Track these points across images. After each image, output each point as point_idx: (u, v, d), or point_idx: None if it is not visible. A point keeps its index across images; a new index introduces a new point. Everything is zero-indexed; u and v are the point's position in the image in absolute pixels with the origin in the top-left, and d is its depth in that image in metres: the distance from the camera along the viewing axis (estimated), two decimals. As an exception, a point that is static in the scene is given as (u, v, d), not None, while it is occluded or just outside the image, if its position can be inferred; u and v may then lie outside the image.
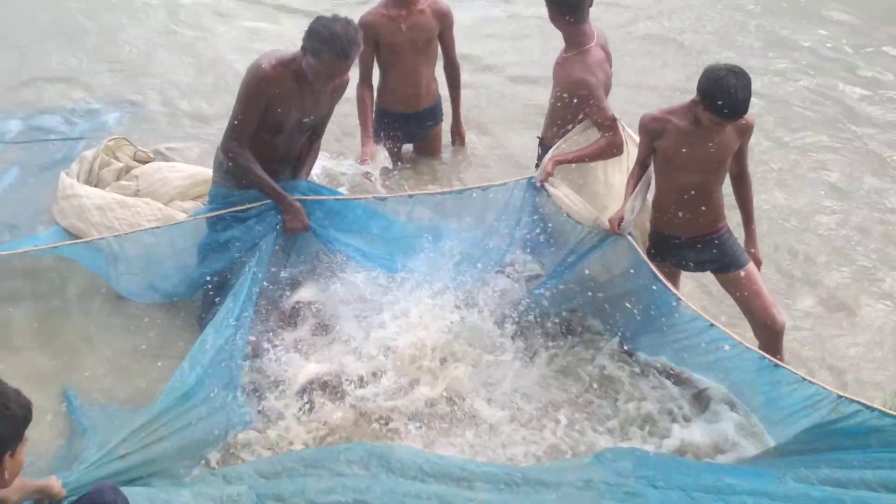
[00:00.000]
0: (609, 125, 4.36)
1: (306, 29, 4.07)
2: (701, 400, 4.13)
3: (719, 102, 3.68)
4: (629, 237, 4.14)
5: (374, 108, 5.36)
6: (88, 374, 4.11)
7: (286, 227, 4.32)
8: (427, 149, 5.68)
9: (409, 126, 5.39)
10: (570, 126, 4.50)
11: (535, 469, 3.51)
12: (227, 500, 3.01)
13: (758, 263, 4.22)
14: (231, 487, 3.08)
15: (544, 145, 4.70)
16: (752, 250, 4.23)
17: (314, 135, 4.58)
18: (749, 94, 3.69)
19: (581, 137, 4.49)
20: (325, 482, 3.10)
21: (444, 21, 5.15)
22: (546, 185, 4.35)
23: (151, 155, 5.52)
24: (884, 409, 3.45)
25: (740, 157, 4.06)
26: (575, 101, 4.41)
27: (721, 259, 4.14)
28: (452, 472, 3.32)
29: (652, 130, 4.03)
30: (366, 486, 3.10)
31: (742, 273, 4.10)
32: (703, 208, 4.05)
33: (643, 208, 4.21)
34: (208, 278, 4.32)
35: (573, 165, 4.47)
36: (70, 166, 5.24)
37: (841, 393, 3.55)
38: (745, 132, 3.97)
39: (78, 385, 4.00)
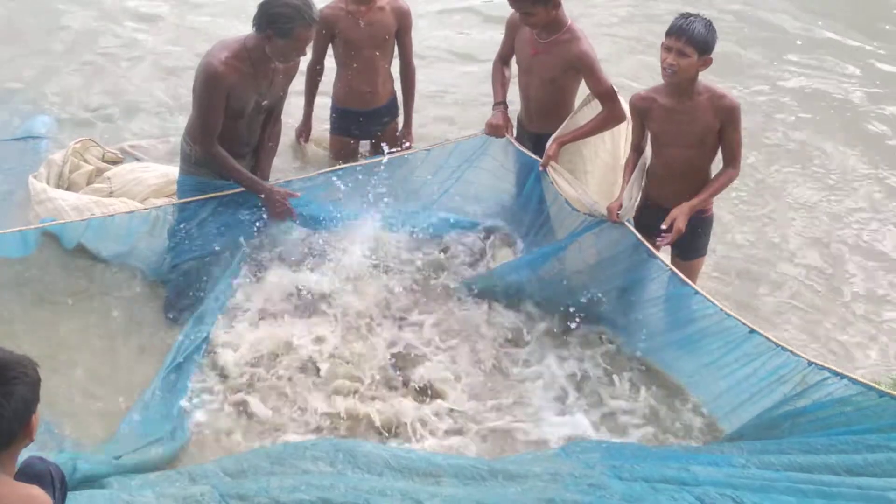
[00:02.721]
0: (610, 95, 4.40)
1: (261, 17, 4.13)
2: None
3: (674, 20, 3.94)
4: (627, 223, 4.24)
5: (327, 103, 5.39)
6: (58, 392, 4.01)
7: (271, 215, 4.47)
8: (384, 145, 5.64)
9: (366, 123, 5.36)
10: (563, 109, 4.58)
11: (502, 461, 3.52)
12: (191, 500, 2.98)
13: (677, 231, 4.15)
14: (194, 487, 3.05)
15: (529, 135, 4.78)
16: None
17: (273, 117, 4.67)
18: (696, 25, 3.86)
19: (583, 115, 4.55)
20: (289, 480, 3.08)
21: (403, 20, 5.09)
22: (549, 169, 4.45)
23: (120, 155, 5.48)
24: (853, 377, 3.47)
25: (726, 143, 4.08)
26: (568, 80, 4.51)
27: (692, 242, 4.24)
28: (419, 466, 3.32)
29: (640, 109, 4.17)
30: (330, 483, 3.08)
31: (697, 263, 4.26)
32: (690, 185, 4.14)
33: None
34: (189, 260, 4.47)
35: (580, 141, 4.54)
36: (38, 169, 5.16)
37: (812, 359, 3.57)
38: (720, 111, 4.01)
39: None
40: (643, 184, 4.28)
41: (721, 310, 3.85)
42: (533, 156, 4.60)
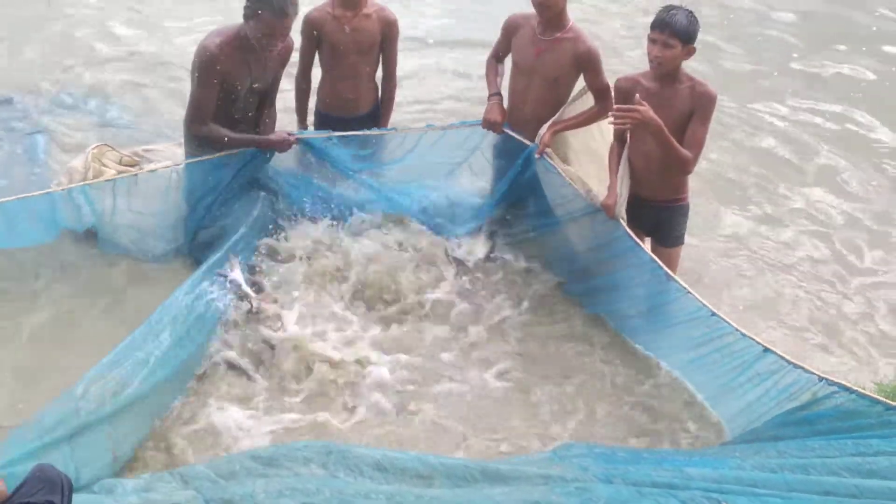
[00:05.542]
0: (608, 92, 4.53)
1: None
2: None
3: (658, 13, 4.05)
4: (621, 221, 4.26)
5: (312, 108, 5.40)
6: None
7: (278, 151, 4.79)
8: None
9: (348, 130, 5.34)
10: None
11: (495, 463, 3.49)
12: (175, 506, 3.01)
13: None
14: (179, 493, 3.08)
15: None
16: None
17: (267, 101, 4.88)
18: (678, 17, 3.98)
19: (575, 108, 4.68)
20: (274, 485, 3.09)
21: (389, 30, 5.05)
22: (546, 154, 4.57)
23: (136, 158, 5.56)
24: (862, 391, 3.40)
25: (689, 130, 4.09)
26: (570, 79, 4.63)
27: (673, 230, 4.34)
28: (411, 467, 3.32)
29: (625, 90, 4.21)
30: (315, 487, 3.09)
31: (677, 251, 4.36)
32: (669, 175, 4.20)
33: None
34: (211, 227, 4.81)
35: (570, 132, 4.69)
36: (59, 179, 5.15)
37: (823, 375, 3.50)
38: (697, 98, 4.06)
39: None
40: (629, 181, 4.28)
41: (737, 329, 3.78)
42: (529, 143, 4.71)
